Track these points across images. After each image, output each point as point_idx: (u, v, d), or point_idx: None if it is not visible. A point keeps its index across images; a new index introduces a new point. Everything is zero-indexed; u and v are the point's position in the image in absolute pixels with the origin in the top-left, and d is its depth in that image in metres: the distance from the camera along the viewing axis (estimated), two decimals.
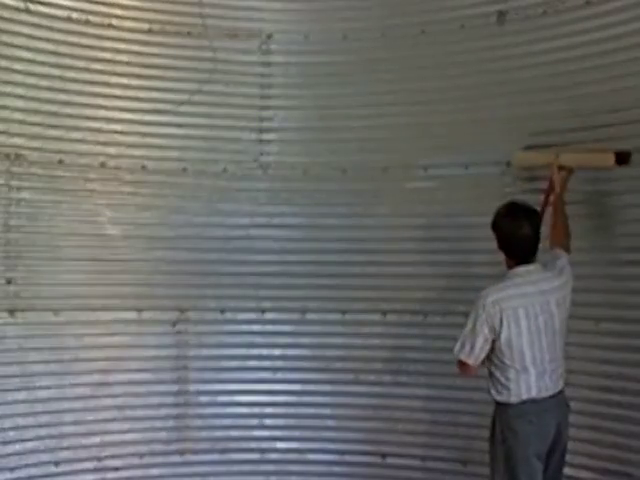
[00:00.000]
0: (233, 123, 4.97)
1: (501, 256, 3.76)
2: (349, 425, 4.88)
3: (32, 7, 4.58)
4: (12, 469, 4.52)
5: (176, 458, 4.86)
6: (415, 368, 4.77)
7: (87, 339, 4.73)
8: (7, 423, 4.53)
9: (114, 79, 4.81)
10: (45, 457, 4.62)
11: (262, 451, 4.92)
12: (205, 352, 4.94)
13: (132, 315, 4.81)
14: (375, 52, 4.86)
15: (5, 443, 4.52)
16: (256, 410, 4.93)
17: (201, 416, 4.92)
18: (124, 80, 4.84)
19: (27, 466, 4.56)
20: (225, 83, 4.91)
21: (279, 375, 4.93)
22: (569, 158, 4.04)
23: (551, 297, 3.66)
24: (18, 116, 4.60)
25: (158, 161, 4.88)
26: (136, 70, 4.85)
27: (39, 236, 4.65)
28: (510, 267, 3.73)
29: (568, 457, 3.85)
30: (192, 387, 4.90)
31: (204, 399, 4.92)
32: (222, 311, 4.93)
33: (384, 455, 4.81)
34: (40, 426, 4.60)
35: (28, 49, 4.60)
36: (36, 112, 4.63)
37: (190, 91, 4.84)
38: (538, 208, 3.95)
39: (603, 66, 4.20)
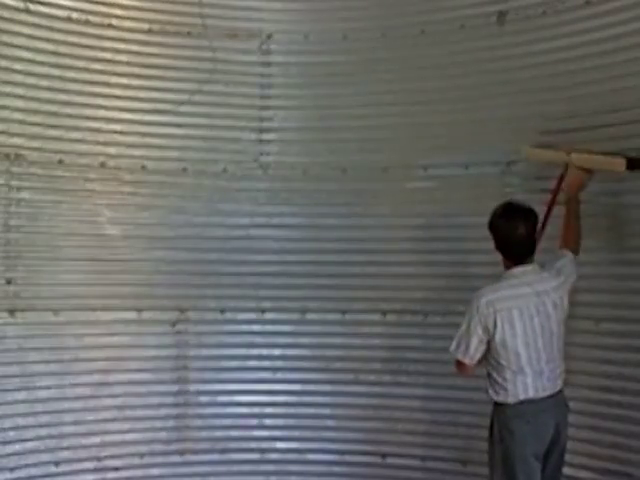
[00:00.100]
0: (233, 123, 4.97)
1: (500, 256, 3.76)
2: (349, 425, 4.88)
3: (32, 7, 4.58)
4: (12, 469, 4.52)
5: (176, 458, 4.86)
6: (415, 368, 4.77)
7: (87, 339, 4.73)
8: (7, 423, 4.54)
9: (114, 79, 4.81)
10: (45, 457, 4.62)
11: (262, 451, 4.92)
12: (205, 352, 4.94)
13: (132, 315, 4.81)
14: (375, 52, 4.86)
15: (5, 443, 4.52)
16: (256, 410, 4.93)
17: (201, 416, 4.92)
18: (124, 80, 4.83)
19: (27, 466, 4.57)
20: (225, 83, 4.90)
21: (279, 375, 4.93)
22: (580, 158, 4.01)
23: (547, 298, 3.66)
24: (18, 116, 4.60)
25: (158, 161, 4.88)
26: (136, 70, 4.85)
27: (39, 236, 4.65)
28: (507, 267, 3.74)
29: (568, 457, 3.86)
30: (192, 387, 4.90)
31: (204, 399, 4.92)
32: (222, 311, 4.93)
33: (384, 455, 4.82)
34: (40, 426, 4.61)
35: (28, 49, 4.59)
36: (36, 112, 4.63)
37: (190, 91, 4.84)
38: (543, 207, 3.96)
39: (603, 66, 4.19)
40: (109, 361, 4.77)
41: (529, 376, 3.62)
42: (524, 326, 3.62)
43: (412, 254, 4.80)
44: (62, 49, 4.68)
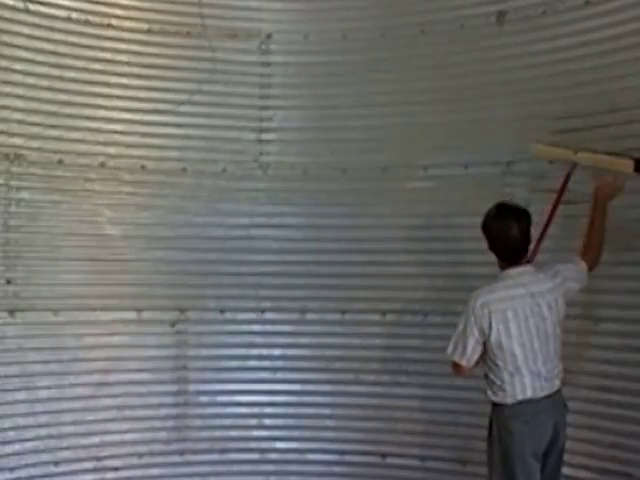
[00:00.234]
0: (233, 123, 4.97)
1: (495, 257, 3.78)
2: (349, 425, 4.88)
3: (32, 7, 4.58)
4: (12, 469, 4.52)
5: (176, 458, 4.86)
6: (415, 368, 4.77)
7: (87, 339, 4.73)
8: (7, 423, 4.54)
9: (114, 79, 4.81)
10: (45, 457, 4.62)
11: (262, 451, 4.92)
12: (205, 352, 4.94)
13: (132, 315, 4.81)
14: (374, 52, 4.86)
15: (5, 443, 4.52)
16: (256, 410, 4.93)
17: (201, 416, 4.92)
18: (124, 80, 4.84)
19: (27, 466, 4.57)
20: (225, 83, 4.90)
21: (279, 375, 4.94)
22: (588, 158, 3.99)
23: (542, 300, 3.66)
24: (18, 116, 4.60)
25: (158, 161, 4.88)
26: (136, 70, 4.85)
27: (39, 236, 4.65)
28: (502, 268, 3.75)
29: (567, 457, 3.86)
30: (192, 387, 4.90)
31: (204, 399, 4.92)
32: (222, 311, 4.93)
33: (384, 455, 4.82)
34: (40, 426, 4.61)
35: (28, 49, 4.60)
36: (36, 112, 4.63)
37: (190, 91, 4.84)
38: (548, 207, 3.96)
39: (603, 66, 4.20)
40: (109, 361, 4.77)
41: (526, 377, 3.62)
42: (519, 327, 3.63)
43: (412, 254, 4.79)
44: (62, 49, 4.68)
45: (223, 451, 4.90)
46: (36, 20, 4.61)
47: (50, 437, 4.63)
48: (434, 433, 4.72)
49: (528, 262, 3.78)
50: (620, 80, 4.13)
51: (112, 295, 4.78)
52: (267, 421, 4.93)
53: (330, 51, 4.93)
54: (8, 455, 4.52)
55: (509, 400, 3.63)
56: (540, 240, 3.96)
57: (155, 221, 4.87)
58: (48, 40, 4.65)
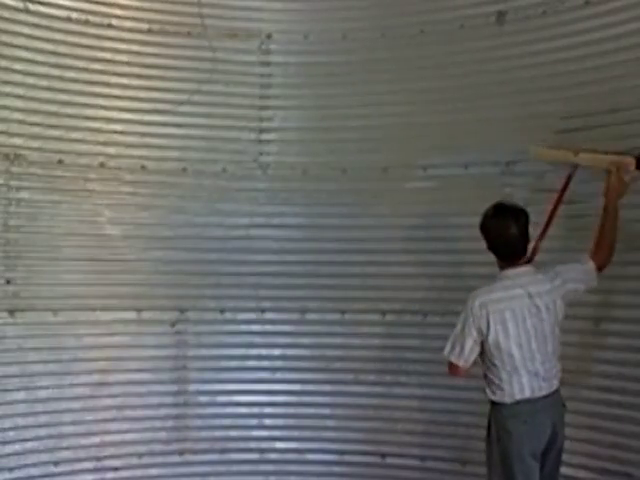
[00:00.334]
0: (233, 123, 4.97)
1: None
2: (348, 425, 4.88)
3: (31, 7, 4.59)
4: (12, 469, 4.52)
5: (175, 458, 4.86)
6: (414, 368, 4.77)
7: (86, 339, 4.73)
8: (7, 423, 4.54)
9: (114, 79, 4.81)
10: (45, 457, 4.62)
11: (261, 451, 4.92)
12: (204, 352, 4.94)
13: (131, 315, 4.81)
14: (374, 52, 4.87)
15: (5, 443, 4.53)
16: (255, 410, 4.93)
17: (200, 416, 4.92)
18: (124, 80, 4.84)
19: (27, 466, 4.57)
20: (225, 83, 4.91)
21: (278, 375, 4.93)
22: (588, 158, 4.00)
23: (540, 300, 3.66)
24: (18, 116, 4.60)
25: (158, 161, 4.88)
26: (136, 70, 4.85)
27: (39, 236, 4.65)
28: (501, 268, 3.75)
29: (567, 457, 3.86)
30: (191, 387, 4.91)
31: (203, 399, 4.92)
32: (221, 311, 4.93)
33: (383, 455, 4.82)
34: (40, 426, 4.61)
35: (27, 49, 4.60)
36: (36, 112, 4.63)
37: (190, 91, 4.83)
38: (549, 207, 3.96)
39: (603, 66, 4.20)
40: (108, 361, 4.77)
41: (524, 376, 3.62)
42: (517, 327, 3.63)
43: (412, 254, 4.79)
44: (62, 49, 4.69)
45: (223, 451, 4.90)
46: (36, 20, 4.61)
47: (50, 437, 4.63)
48: (434, 433, 4.72)
49: (527, 262, 3.78)
50: (620, 80, 4.13)
51: (112, 295, 4.78)
52: (267, 421, 4.93)
53: (330, 51, 4.93)
54: (8, 455, 4.53)
55: (507, 399, 3.63)
56: (539, 239, 3.96)
57: (155, 221, 4.87)
58: (48, 40, 4.65)
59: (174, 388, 4.88)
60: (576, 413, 3.99)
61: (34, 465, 4.59)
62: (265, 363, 4.94)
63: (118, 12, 4.81)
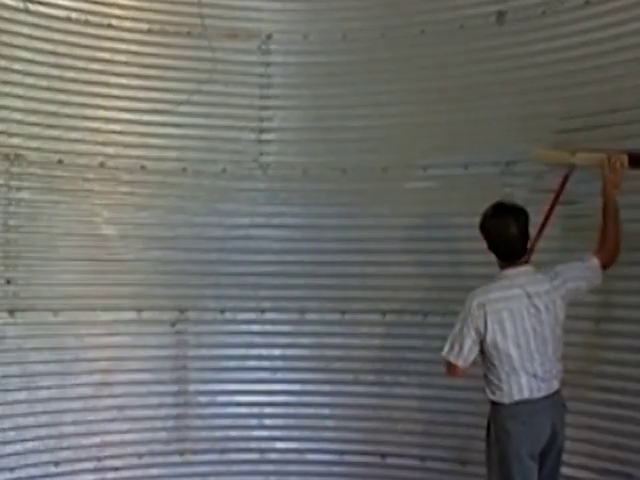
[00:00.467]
0: (232, 123, 4.97)
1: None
2: (348, 425, 4.88)
3: (31, 7, 4.58)
4: (12, 469, 4.52)
5: (176, 458, 4.86)
6: (414, 368, 4.77)
7: (87, 339, 4.73)
8: (7, 423, 4.53)
9: (113, 79, 4.81)
10: (45, 457, 4.62)
11: (261, 451, 4.92)
12: (205, 352, 4.94)
13: (132, 315, 4.81)
14: (374, 52, 4.86)
15: (5, 443, 4.52)
16: (255, 410, 4.93)
17: (201, 416, 4.92)
18: (123, 80, 4.83)
19: (27, 466, 4.57)
20: (224, 83, 4.90)
21: (278, 375, 4.94)
22: (584, 158, 4.00)
23: (539, 301, 3.65)
24: (17, 116, 4.60)
25: (157, 161, 4.88)
26: (135, 70, 4.85)
27: (38, 236, 4.65)
28: (501, 267, 3.75)
29: (567, 457, 3.86)
30: (192, 387, 4.91)
31: (204, 399, 4.92)
32: (222, 311, 4.93)
33: (383, 455, 4.82)
34: (40, 426, 4.61)
35: (27, 49, 4.59)
36: (35, 112, 4.63)
37: (189, 91, 4.83)
38: (545, 207, 3.95)
39: (603, 66, 4.20)
40: (109, 361, 4.76)
41: (523, 377, 3.61)
42: (514, 327, 3.62)
43: (412, 254, 4.79)
44: (61, 49, 4.68)
45: (223, 451, 4.90)
46: (36, 20, 4.61)
47: (50, 437, 4.63)
48: (434, 433, 4.72)
49: (527, 262, 3.78)
50: (620, 80, 4.13)
51: (112, 295, 4.78)
52: (267, 421, 4.94)
53: (330, 51, 4.93)
54: (8, 455, 4.52)
55: (506, 400, 3.63)
56: (536, 240, 3.97)
57: (155, 221, 4.87)
58: (47, 40, 4.64)
59: (174, 388, 4.88)
60: (576, 413, 3.99)
61: (35, 465, 4.59)
62: (265, 363, 4.95)
63: (118, 12, 4.80)
